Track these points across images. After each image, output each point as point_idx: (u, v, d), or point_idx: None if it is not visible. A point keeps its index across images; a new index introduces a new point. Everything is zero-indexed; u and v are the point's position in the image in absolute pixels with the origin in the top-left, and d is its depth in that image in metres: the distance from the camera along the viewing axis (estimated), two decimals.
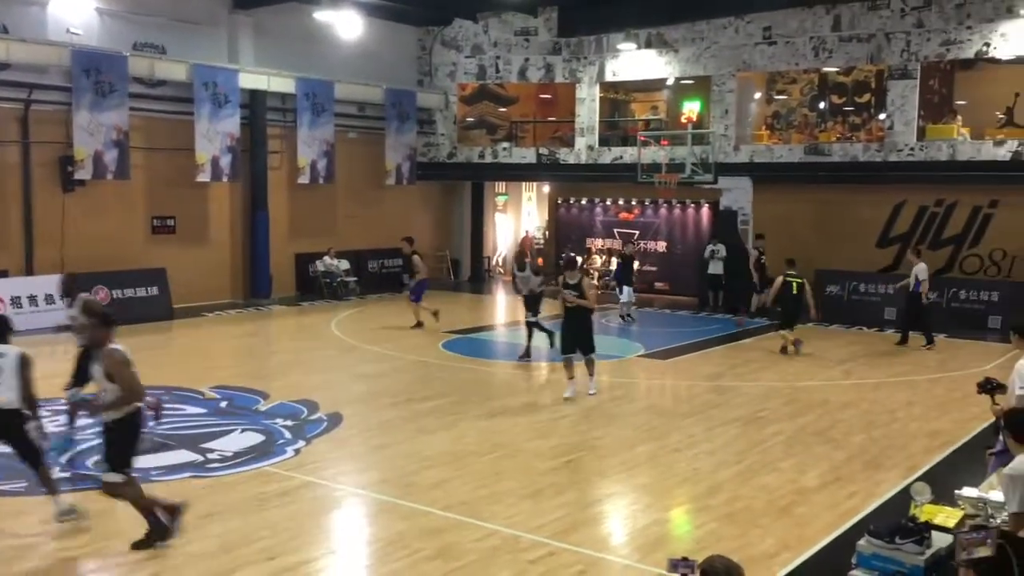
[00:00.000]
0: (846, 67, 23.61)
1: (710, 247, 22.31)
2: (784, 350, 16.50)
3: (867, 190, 21.65)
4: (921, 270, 17.08)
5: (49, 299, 18.14)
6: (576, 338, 12.67)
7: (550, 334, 15.44)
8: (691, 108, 22.78)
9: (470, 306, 24.01)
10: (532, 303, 15.72)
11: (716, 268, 22.27)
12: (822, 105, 25.96)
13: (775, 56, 22.45)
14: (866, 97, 25.14)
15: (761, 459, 9.99)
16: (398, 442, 10.53)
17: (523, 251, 18.32)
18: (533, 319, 15.68)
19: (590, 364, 12.87)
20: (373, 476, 9.38)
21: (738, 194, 22.76)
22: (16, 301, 17.62)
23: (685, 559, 4.38)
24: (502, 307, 24.51)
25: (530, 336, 15.72)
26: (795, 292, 16.41)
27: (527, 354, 15.67)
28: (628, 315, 20.13)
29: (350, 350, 16.43)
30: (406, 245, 19.03)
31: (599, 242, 26.49)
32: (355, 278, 24.01)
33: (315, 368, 14.72)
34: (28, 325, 17.44)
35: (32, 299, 17.89)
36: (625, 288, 20.17)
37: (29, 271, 18.62)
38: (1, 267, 18.21)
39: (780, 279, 16.69)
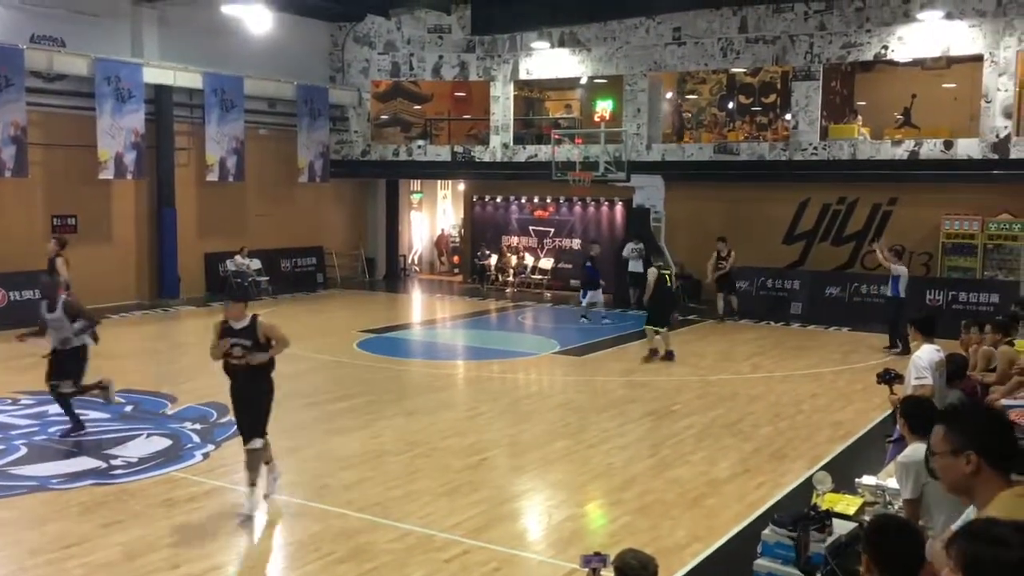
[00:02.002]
0: (753, 68, 24.21)
1: (630, 245, 22.36)
2: (654, 354, 15.49)
3: (774, 188, 22.24)
4: (902, 272, 16.40)
5: None
6: (249, 413, 8.48)
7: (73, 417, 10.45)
8: (604, 107, 23.00)
9: (385, 305, 23.82)
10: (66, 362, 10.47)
11: (636, 267, 22.28)
12: (731, 105, 26.57)
13: (685, 56, 22.86)
14: (772, 97, 25.84)
15: (673, 452, 10.17)
16: (311, 444, 10.37)
17: (52, 285, 11.09)
18: (69, 389, 10.41)
19: (254, 456, 8.28)
20: (285, 479, 9.18)
21: (651, 192, 23.12)
22: None
23: (598, 554, 4.42)
24: (417, 306, 24.40)
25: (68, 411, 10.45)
26: (669, 285, 15.83)
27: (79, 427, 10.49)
28: (586, 316, 19.75)
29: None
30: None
31: (515, 240, 26.58)
32: (267, 278, 23.57)
33: None
34: None
35: None
36: (589, 292, 19.67)
37: None
38: None
39: (654, 272, 15.70)
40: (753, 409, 12.26)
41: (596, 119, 23.28)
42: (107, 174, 20.24)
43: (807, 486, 8.46)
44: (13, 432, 10.39)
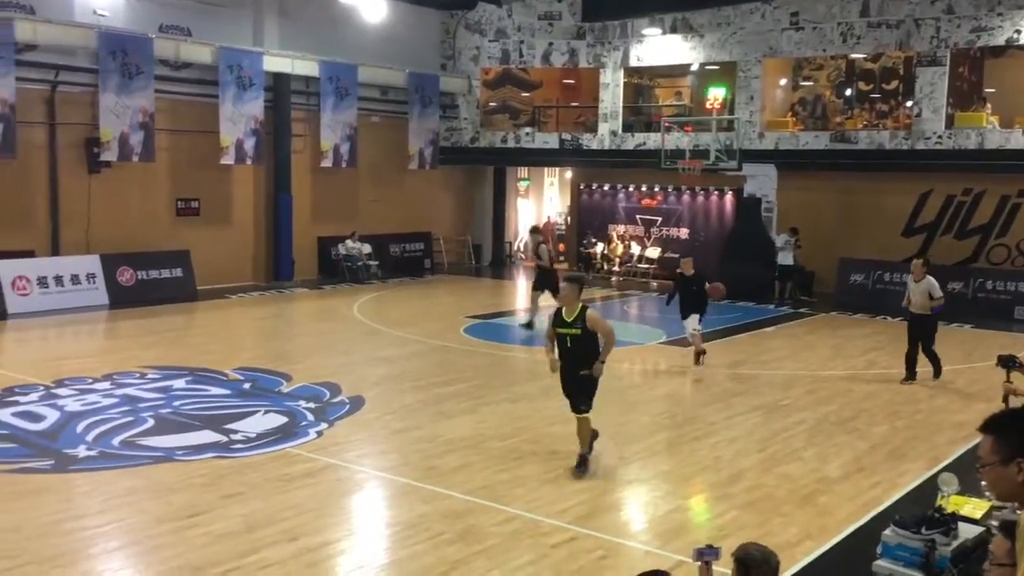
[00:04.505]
0: (874, 53, 23.34)
1: (783, 236, 21.64)
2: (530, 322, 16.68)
3: (893, 178, 21.43)
4: (934, 286, 13.29)
5: (75, 279, 18.33)
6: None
7: None
8: (716, 94, 22.60)
9: (491, 291, 24.02)
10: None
11: (785, 258, 21.61)
12: (849, 92, 25.69)
13: (803, 42, 22.22)
14: (894, 84, 24.86)
15: (783, 448, 9.94)
16: (419, 426, 10.56)
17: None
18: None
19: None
20: (394, 459, 9.41)
21: (762, 181, 22.58)
22: (43, 281, 17.79)
23: (710, 546, 4.36)
24: (522, 293, 24.48)
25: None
26: (694, 287, 13.92)
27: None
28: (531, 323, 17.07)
29: (372, 333, 16.48)
30: None
31: (621, 228, 26.40)
32: (376, 262, 24.07)
33: (337, 351, 14.77)
34: (54, 305, 17.70)
35: (58, 279, 18.05)
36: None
37: (55, 251, 18.79)
38: (28, 247, 18.38)
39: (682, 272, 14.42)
40: (867, 406, 11.87)
41: (707, 107, 22.90)
42: (228, 160, 21.01)
43: (927, 488, 8.19)
44: (141, 405, 10.91)
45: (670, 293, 14.61)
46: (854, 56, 23.96)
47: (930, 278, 13.24)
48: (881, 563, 5.11)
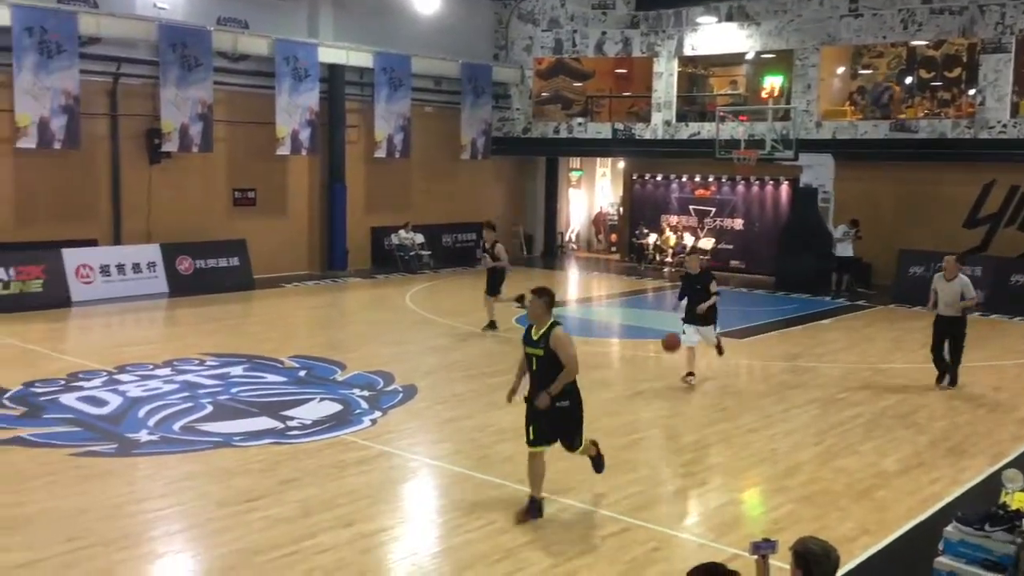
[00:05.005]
0: (936, 40, 22.78)
1: (843, 227, 21.22)
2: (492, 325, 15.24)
3: (955, 168, 20.93)
4: (967, 285, 12.19)
5: (136, 268, 18.74)
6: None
7: None
8: (772, 83, 22.24)
9: (543, 281, 23.88)
10: None
11: (844, 250, 21.12)
12: (909, 80, 25.11)
13: (862, 29, 21.78)
14: (956, 72, 24.22)
15: (840, 441, 9.80)
16: (471, 415, 10.62)
17: None
18: None
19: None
20: (447, 447, 9.49)
21: (819, 171, 22.19)
22: (105, 270, 18.22)
23: (767, 540, 4.32)
24: (574, 283, 24.45)
25: None
26: (698, 287, 12.27)
27: None
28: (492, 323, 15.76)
29: (424, 323, 16.59)
30: None
31: (674, 219, 26.18)
32: (429, 252, 24.21)
33: (390, 340, 14.90)
34: (115, 293, 18.13)
35: (120, 268, 18.47)
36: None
37: (117, 241, 19.23)
38: (90, 236, 18.83)
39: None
40: (927, 401, 11.64)
41: (763, 95, 22.57)
42: (283, 150, 21.28)
43: (989, 484, 8.02)
44: (200, 391, 11.13)
45: (679, 295, 12.55)
46: (915, 43, 23.41)
47: (963, 276, 12.21)
48: (943, 560, 5.01)
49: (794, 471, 8.80)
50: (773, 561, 4.39)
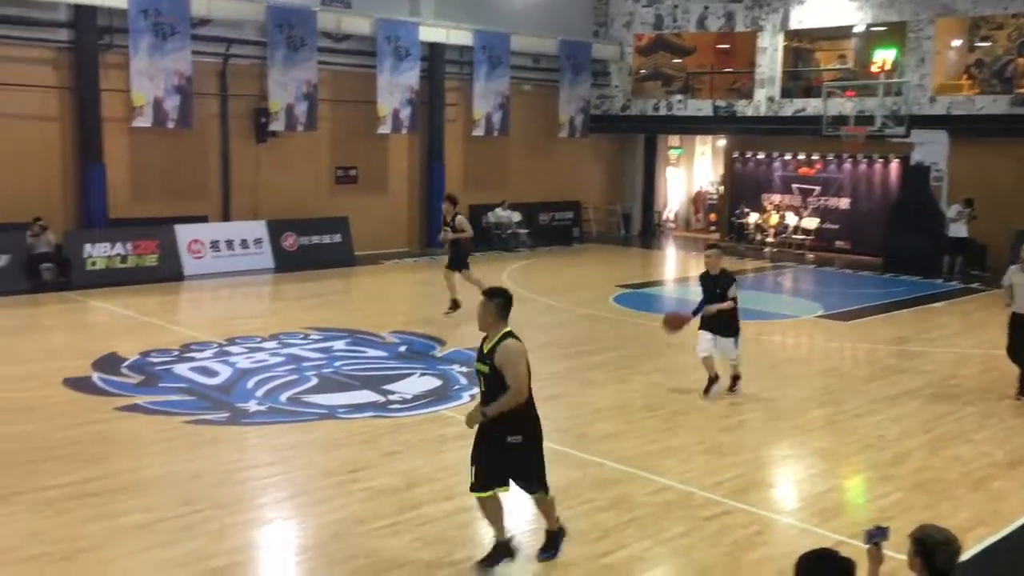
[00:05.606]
0: None
1: (956, 207, 20.44)
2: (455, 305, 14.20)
3: None
4: None
5: (244, 244, 19.35)
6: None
7: None
8: (883, 56, 21.39)
9: (641, 260, 23.80)
10: None
11: (958, 231, 20.33)
12: None
13: None
14: None
15: (953, 429, 9.45)
16: (569, 393, 10.62)
17: None
18: None
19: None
20: (545, 425, 9.33)
21: (932, 149, 21.30)
22: (215, 245, 18.86)
23: (879, 527, 4.20)
24: (672, 263, 24.15)
25: None
26: (716, 291, 10.54)
27: None
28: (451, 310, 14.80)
29: (521, 301, 16.48)
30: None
31: (776, 197, 25.56)
32: (526, 230, 24.25)
33: None
34: (224, 268, 18.76)
35: (229, 243, 19.10)
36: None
37: (226, 217, 19.87)
38: (201, 213, 19.51)
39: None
40: None
41: (874, 70, 21.75)
42: (384, 129, 21.58)
43: None
44: (305, 364, 11.44)
45: (702, 300, 10.59)
46: None
47: None
48: None
49: (903, 458, 8.52)
50: (884, 550, 4.27)
